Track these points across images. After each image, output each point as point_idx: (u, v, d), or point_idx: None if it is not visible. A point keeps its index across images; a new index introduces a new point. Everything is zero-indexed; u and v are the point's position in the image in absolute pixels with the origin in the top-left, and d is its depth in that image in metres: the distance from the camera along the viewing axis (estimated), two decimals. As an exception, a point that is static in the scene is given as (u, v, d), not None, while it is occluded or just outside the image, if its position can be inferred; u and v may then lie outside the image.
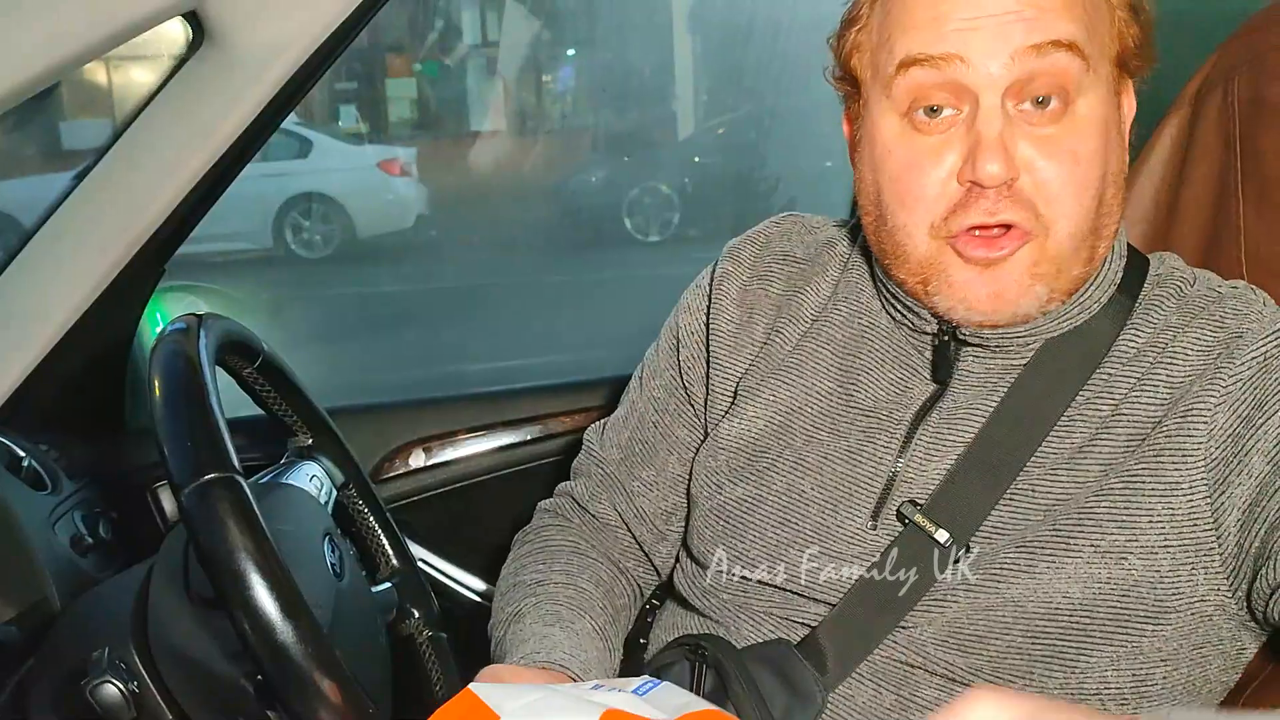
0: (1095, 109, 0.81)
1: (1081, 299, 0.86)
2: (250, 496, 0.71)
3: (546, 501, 1.12)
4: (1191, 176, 1.05)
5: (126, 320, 1.32)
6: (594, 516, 1.06)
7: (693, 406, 1.02)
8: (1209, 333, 0.84)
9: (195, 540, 0.70)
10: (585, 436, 1.12)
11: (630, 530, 1.05)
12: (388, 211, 9.11)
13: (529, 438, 1.50)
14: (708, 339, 1.01)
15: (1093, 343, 0.86)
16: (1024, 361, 0.87)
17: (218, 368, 0.92)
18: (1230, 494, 0.78)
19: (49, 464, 1.19)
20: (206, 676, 0.79)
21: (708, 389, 1.00)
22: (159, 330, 0.85)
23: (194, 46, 1.17)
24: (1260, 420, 0.78)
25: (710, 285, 1.02)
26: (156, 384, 0.78)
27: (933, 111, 0.81)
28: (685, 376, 1.03)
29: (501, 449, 1.49)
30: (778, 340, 0.97)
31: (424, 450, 1.46)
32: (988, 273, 0.82)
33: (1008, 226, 0.81)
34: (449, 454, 1.47)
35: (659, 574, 1.07)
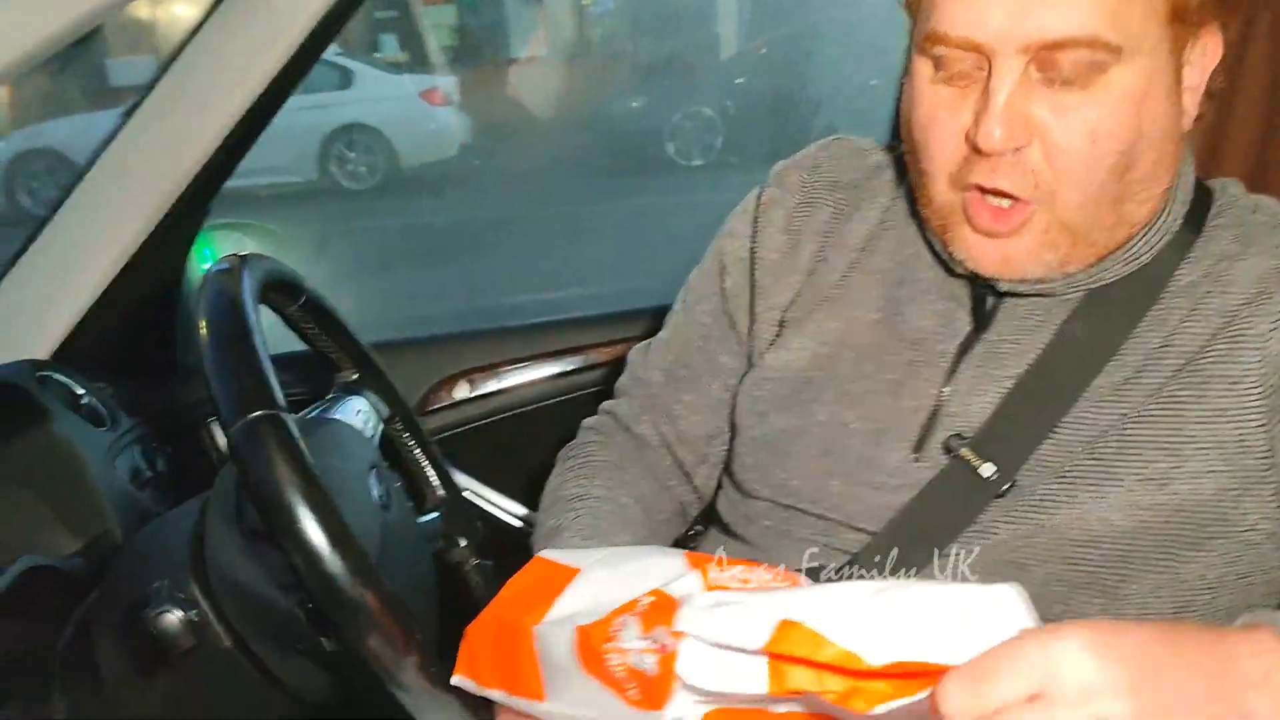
0: (1132, 79, 0.76)
1: (1127, 254, 0.84)
2: (296, 433, 0.73)
3: (590, 419, 1.13)
4: (1242, 93, 1.02)
5: (175, 259, 1.34)
6: (636, 436, 1.07)
7: (736, 334, 1.02)
8: (1265, 259, 0.82)
9: (244, 476, 0.72)
10: (629, 357, 1.12)
11: (672, 451, 1.06)
12: (431, 141, 9.10)
13: (571, 368, 1.51)
14: (752, 266, 1.00)
15: (1149, 282, 0.85)
16: (1072, 304, 0.86)
17: (262, 306, 0.94)
18: None
19: (106, 401, 1.23)
20: (262, 606, 0.82)
21: (752, 317, 1.00)
22: (205, 270, 0.87)
23: (228, -13, 1.17)
24: None
25: (756, 211, 1.01)
26: (203, 325, 0.80)
27: (956, 76, 0.80)
28: (729, 304, 1.02)
29: (544, 380, 1.51)
30: (824, 269, 0.96)
31: (468, 382, 1.48)
32: (995, 240, 0.82)
33: (1012, 199, 0.80)
34: (492, 385, 1.49)
35: (700, 496, 1.08)
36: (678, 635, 0.58)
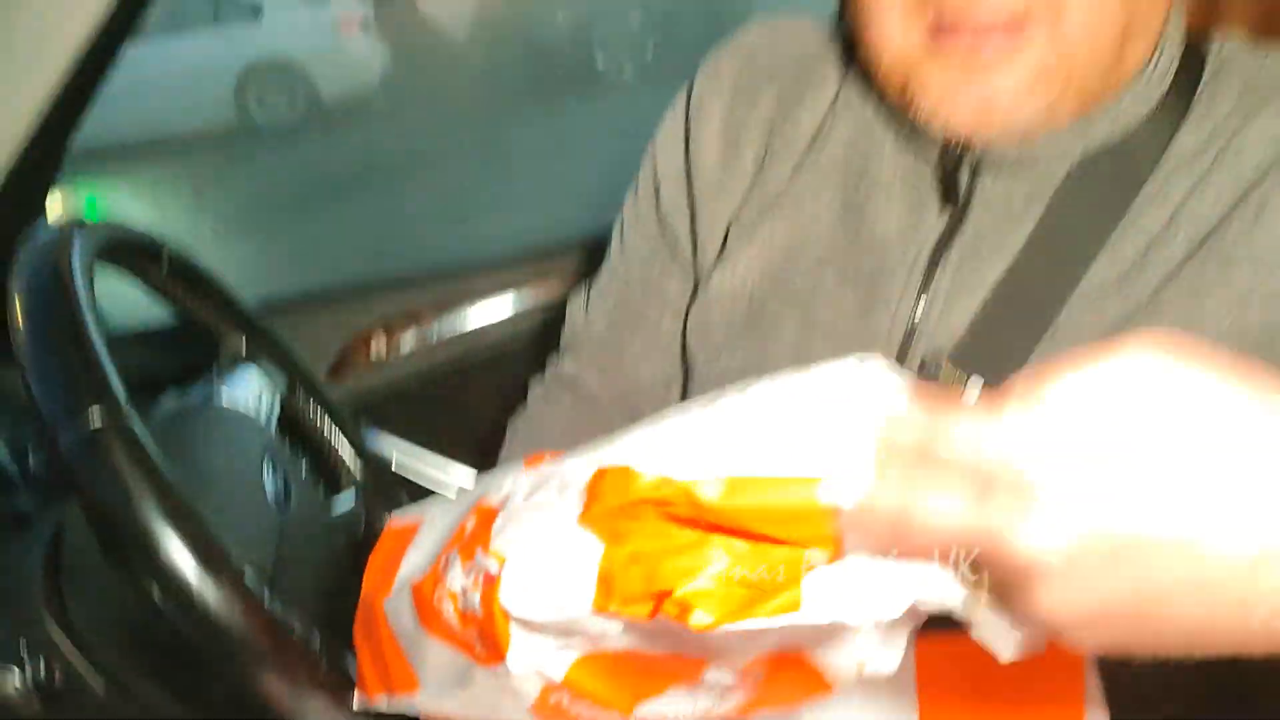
0: None
1: (1115, 107, 0.71)
2: (143, 440, 0.59)
3: (536, 384, 0.99)
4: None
5: (20, 224, 1.16)
6: (585, 394, 0.94)
7: (680, 260, 0.88)
8: None
9: (80, 500, 0.58)
10: (568, 307, 0.98)
11: (628, 404, 0.92)
12: (350, 73, 8.75)
13: (504, 312, 1.36)
14: (690, 178, 0.86)
15: (1140, 151, 0.71)
16: (1054, 183, 0.72)
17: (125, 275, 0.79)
18: None
19: (-39, 396, 1.06)
20: (147, 646, 0.68)
21: (695, 235, 0.86)
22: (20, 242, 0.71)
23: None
24: None
25: (687, 113, 0.86)
26: (17, 308, 0.64)
27: None
28: (669, 225, 0.88)
29: (475, 329, 1.35)
30: (770, 170, 0.82)
31: (386, 335, 1.32)
32: (974, 77, 0.66)
33: (1003, 28, 0.64)
34: (417, 339, 1.33)
35: None
36: (497, 556, 0.45)
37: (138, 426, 0.59)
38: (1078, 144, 0.71)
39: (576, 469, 0.45)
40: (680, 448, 0.42)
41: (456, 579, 0.47)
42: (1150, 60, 0.71)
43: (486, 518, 0.47)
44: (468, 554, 0.47)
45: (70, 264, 0.67)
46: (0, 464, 1.02)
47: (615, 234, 0.94)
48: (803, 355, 0.77)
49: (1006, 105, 0.67)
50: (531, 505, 0.46)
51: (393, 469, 1.07)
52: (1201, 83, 0.72)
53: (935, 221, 0.75)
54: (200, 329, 0.93)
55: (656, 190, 0.89)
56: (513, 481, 0.50)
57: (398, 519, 0.58)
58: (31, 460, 1.06)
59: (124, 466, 0.58)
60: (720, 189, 0.84)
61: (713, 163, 0.85)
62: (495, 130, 6.85)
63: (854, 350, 0.74)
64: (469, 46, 9.08)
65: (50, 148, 1.08)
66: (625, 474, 0.42)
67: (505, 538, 0.45)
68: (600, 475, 0.43)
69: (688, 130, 0.86)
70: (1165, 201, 0.70)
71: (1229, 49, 0.74)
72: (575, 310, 0.97)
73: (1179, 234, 0.69)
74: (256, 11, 8.66)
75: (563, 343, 0.98)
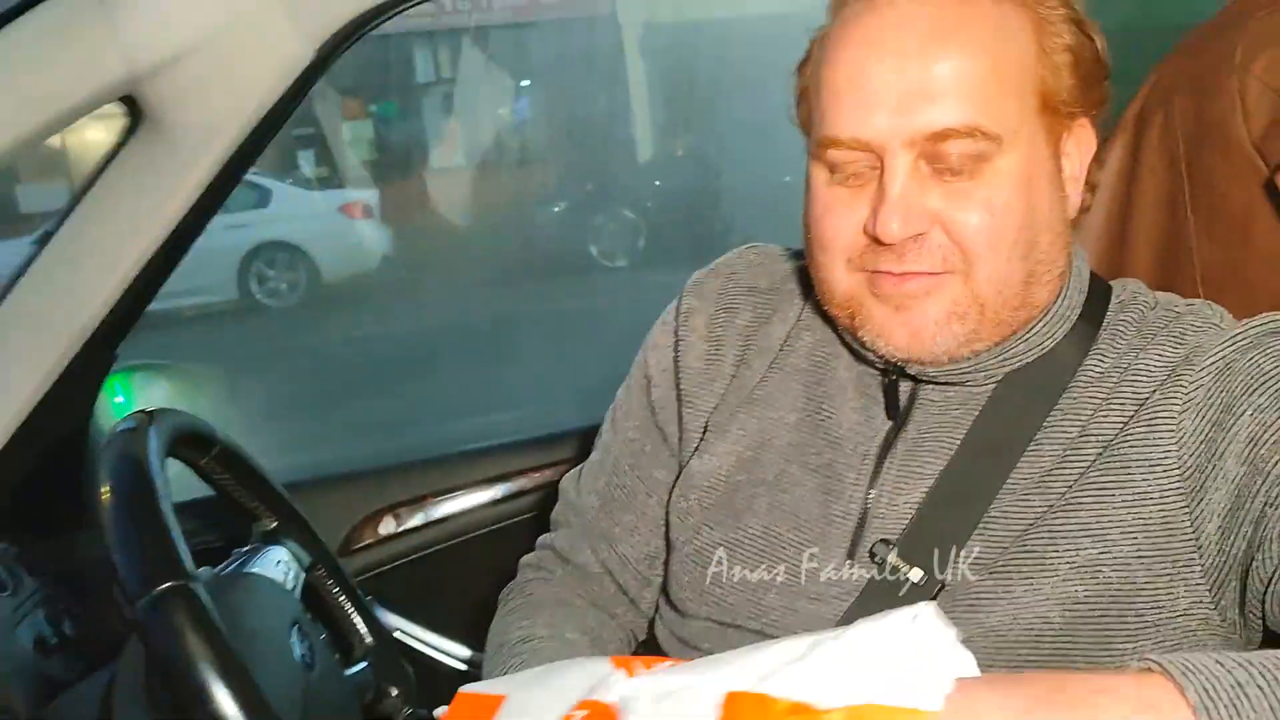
0: (1016, 164, 0.81)
1: (1029, 335, 0.86)
2: (208, 605, 0.70)
3: (529, 556, 1.10)
4: (1140, 202, 1.05)
5: (79, 410, 1.29)
6: (576, 567, 1.05)
7: (668, 446, 1.01)
8: (1169, 349, 0.84)
9: (152, 655, 0.68)
10: (561, 486, 1.10)
11: (614, 578, 1.03)
12: (351, 255, 9.08)
13: (500, 496, 1.48)
14: (677, 376, 1.00)
15: (1055, 371, 0.86)
16: (984, 394, 0.87)
17: (173, 459, 0.90)
18: (1208, 501, 0.78)
19: (8, 563, 1.16)
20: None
21: (680, 427, 1.00)
22: (109, 428, 0.83)
23: (132, 129, 1.15)
24: (1230, 423, 0.77)
25: (676, 321, 1.01)
26: (105, 489, 0.76)
27: (851, 177, 0.83)
28: (658, 416, 1.02)
29: (472, 510, 1.47)
30: (746, 373, 0.97)
31: (394, 517, 1.44)
32: (904, 310, 0.83)
33: (925, 275, 0.82)
34: (419, 519, 1.45)
35: (649, 622, 1.05)
36: None
37: (204, 597, 0.70)
38: (999, 365, 0.86)
39: (707, 685, 0.55)
40: (803, 676, 0.53)
41: None
42: (1057, 299, 0.87)
43: (602, 713, 0.57)
44: None
45: (148, 452, 0.79)
46: (41, 633, 1.11)
47: (608, 422, 1.07)
48: (771, 533, 0.89)
49: (932, 333, 0.83)
50: (661, 713, 0.56)
51: (396, 638, 1.16)
52: (1105, 318, 0.88)
53: (883, 422, 0.89)
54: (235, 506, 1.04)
55: (648, 384, 1.03)
56: (624, 684, 0.60)
57: (470, 687, 0.67)
58: (66, 626, 1.15)
59: (187, 630, 0.68)
60: (703, 387, 0.98)
61: (698, 365, 0.99)
62: (488, 313, 7.06)
63: (817, 531, 0.86)
64: (471, 234, 9.42)
65: (115, 336, 1.22)
66: (762, 701, 0.53)
67: None
68: (734, 699, 0.54)
69: (677, 336, 1.01)
70: (1077, 415, 0.85)
71: (1128, 291, 0.91)
72: (568, 488, 1.09)
73: (1089, 442, 0.83)
74: (265, 195, 9.02)
75: (556, 519, 1.10)
